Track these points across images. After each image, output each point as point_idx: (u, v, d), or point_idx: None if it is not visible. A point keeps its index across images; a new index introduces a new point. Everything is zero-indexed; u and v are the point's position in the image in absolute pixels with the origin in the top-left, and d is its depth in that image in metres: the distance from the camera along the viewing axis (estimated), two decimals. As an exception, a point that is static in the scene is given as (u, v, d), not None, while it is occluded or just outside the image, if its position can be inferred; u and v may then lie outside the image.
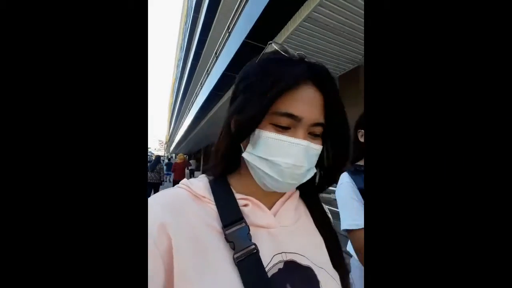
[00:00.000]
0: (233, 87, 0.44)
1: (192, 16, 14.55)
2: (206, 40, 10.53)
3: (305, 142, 0.37)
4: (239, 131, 0.39)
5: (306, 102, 0.38)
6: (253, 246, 0.36)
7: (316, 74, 0.39)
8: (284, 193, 0.45)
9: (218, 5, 8.36)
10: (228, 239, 0.36)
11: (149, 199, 0.37)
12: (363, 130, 0.91)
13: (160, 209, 0.36)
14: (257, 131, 0.38)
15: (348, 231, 0.82)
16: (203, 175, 0.45)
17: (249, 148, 0.39)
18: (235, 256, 0.35)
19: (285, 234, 0.41)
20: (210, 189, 0.41)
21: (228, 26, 5.61)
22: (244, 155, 0.40)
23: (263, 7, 3.33)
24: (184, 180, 0.43)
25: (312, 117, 0.38)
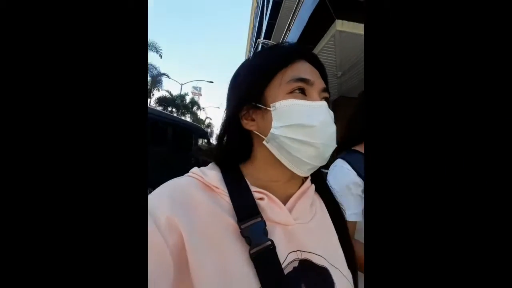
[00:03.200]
0: (230, 83, 0.46)
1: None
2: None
3: (324, 103, 0.40)
4: (252, 88, 0.41)
5: (310, 71, 0.42)
6: (269, 242, 0.35)
7: (309, 53, 0.44)
8: (300, 187, 0.44)
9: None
10: (243, 234, 0.35)
11: (157, 190, 0.37)
12: None
13: (169, 202, 0.35)
14: (278, 104, 0.39)
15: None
16: (213, 163, 0.44)
17: (275, 123, 0.39)
18: (251, 252, 0.34)
19: (301, 231, 0.40)
20: (223, 180, 0.40)
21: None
22: (273, 130, 0.39)
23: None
24: (195, 169, 0.42)
25: (320, 82, 0.42)
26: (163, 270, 0.31)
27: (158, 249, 0.31)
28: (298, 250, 0.38)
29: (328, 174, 0.78)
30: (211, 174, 0.40)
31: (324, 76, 0.45)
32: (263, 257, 0.34)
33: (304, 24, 3.87)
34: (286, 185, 0.43)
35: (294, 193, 0.43)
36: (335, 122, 0.42)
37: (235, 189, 0.39)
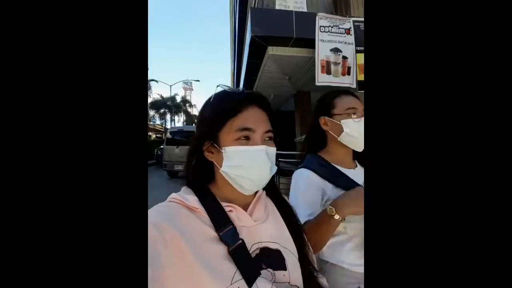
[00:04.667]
0: (198, 116, 0.61)
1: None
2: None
3: (263, 147, 0.52)
4: (209, 131, 0.53)
5: (255, 118, 0.53)
6: (241, 241, 0.50)
7: (257, 98, 0.56)
8: (255, 196, 0.59)
9: None
10: (221, 239, 0.49)
11: (149, 211, 0.47)
12: (325, 117, 0.91)
13: (161, 215, 0.48)
14: (227, 148, 0.52)
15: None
16: (185, 187, 0.58)
17: (225, 163, 0.53)
18: (230, 250, 0.48)
19: (259, 228, 0.55)
20: (199, 201, 0.53)
21: None
22: (223, 169, 0.53)
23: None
24: (174, 194, 0.54)
25: (263, 127, 0.53)
26: (153, 256, 0.42)
27: (152, 240, 0.42)
28: (259, 242, 0.54)
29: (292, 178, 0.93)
30: (190, 198, 0.53)
31: (271, 115, 0.57)
32: (238, 252, 0.49)
33: (248, 50, 5.23)
34: (245, 197, 0.57)
35: (251, 201, 0.58)
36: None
37: (210, 207, 0.53)
